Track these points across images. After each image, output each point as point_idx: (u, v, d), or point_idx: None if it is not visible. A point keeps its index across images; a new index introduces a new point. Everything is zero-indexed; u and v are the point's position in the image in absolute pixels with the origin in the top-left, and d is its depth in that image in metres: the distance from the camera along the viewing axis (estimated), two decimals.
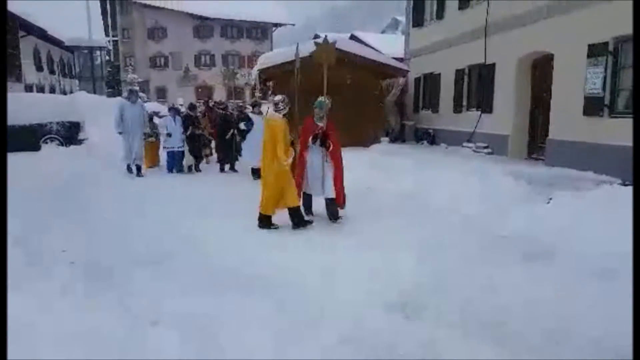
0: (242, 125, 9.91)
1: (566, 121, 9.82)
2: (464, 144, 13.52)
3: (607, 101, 8.82)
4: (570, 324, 3.36)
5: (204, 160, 11.94)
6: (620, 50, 8.66)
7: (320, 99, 6.37)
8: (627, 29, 8.20)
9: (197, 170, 11.20)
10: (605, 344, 3.11)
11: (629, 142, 8.16)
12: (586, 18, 9.13)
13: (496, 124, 12.44)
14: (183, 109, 13.21)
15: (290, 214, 5.96)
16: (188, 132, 10.83)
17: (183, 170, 10.95)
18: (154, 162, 11.74)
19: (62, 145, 13.17)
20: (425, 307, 3.64)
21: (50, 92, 25.66)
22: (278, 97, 6.09)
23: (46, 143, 13.04)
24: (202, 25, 41.09)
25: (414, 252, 4.78)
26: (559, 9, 9.94)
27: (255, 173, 9.22)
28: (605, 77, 8.82)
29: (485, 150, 12.60)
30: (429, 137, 16.00)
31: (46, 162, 10.75)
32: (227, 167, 11.24)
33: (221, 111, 12.10)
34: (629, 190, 6.52)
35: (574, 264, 4.49)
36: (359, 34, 29.61)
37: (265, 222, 6.02)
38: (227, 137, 10.80)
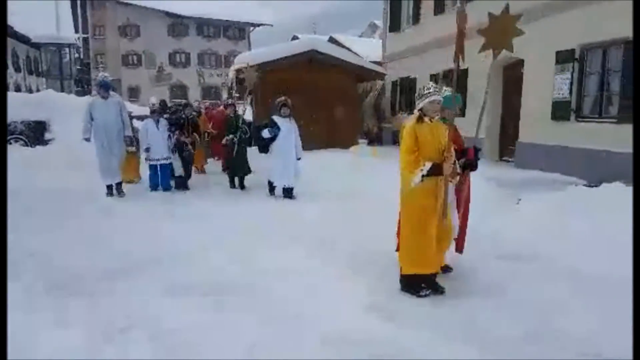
0: (265, 133, 7.69)
1: (535, 125, 10.20)
2: None
3: (573, 106, 9.21)
4: (546, 323, 3.48)
5: (199, 171, 10.43)
6: (586, 58, 9.06)
7: (447, 92, 4.58)
8: (593, 37, 8.62)
9: (185, 187, 8.92)
10: (581, 340, 3.25)
11: (593, 145, 8.57)
12: (554, 26, 9.52)
13: (468, 127, 12.73)
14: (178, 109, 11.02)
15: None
16: (174, 139, 8.79)
17: (170, 187, 8.76)
18: (135, 176, 9.53)
19: (28, 145, 12.75)
20: (399, 309, 3.73)
21: (16, 91, 24.92)
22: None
23: (10, 144, 12.55)
24: (177, 24, 40.53)
25: (383, 256, 4.84)
26: (528, 17, 10.30)
27: (287, 193, 7.95)
28: (572, 83, 9.21)
29: None
30: None
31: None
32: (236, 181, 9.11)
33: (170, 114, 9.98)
34: (593, 191, 6.86)
35: (543, 263, 4.68)
36: (338, 36, 29.82)
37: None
38: (229, 140, 8.83)
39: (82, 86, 39.75)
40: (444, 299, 3.92)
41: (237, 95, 18.62)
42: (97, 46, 41.96)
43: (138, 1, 38.36)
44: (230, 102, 9.60)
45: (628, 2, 7.84)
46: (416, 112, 3.99)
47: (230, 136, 8.76)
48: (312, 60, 14.57)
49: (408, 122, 4.00)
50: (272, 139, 7.68)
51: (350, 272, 4.46)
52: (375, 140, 17.28)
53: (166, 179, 8.73)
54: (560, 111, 9.49)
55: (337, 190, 8.23)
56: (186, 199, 8.08)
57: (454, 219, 4.20)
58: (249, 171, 8.93)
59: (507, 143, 11.89)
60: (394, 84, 17.95)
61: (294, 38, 31.69)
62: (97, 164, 8.00)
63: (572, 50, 9.14)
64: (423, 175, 3.74)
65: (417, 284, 3.99)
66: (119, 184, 8.14)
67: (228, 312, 3.64)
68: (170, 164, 8.77)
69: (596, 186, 7.34)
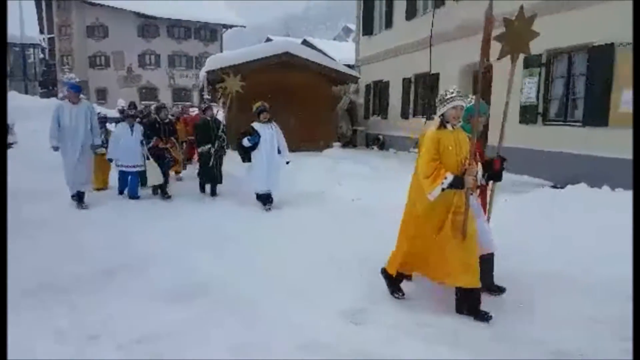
0: (245, 142, 7.24)
1: (505, 126, 10.41)
2: (411, 149, 14.01)
3: (540, 110, 9.48)
4: (516, 324, 3.53)
5: (175, 176, 9.80)
6: (552, 63, 9.34)
7: (470, 101, 4.09)
8: (558, 43, 8.90)
9: (166, 196, 8.17)
10: (548, 339, 3.31)
11: (559, 148, 8.84)
12: None
13: None
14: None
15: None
16: (149, 146, 8.05)
17: (138, 195, 8.11)
18: (105, 183, 8.84)
19: None
20: (369, 311, 3.74)
21: None
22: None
23: None
24: (147, 24, 39.81)
25: (358, 261, 4.86)
26: (496, 23, 10.55)
27: (263, 199, 7.44)
28: (539, 87, 9.48)
29: None
30: (378, 143, 16.44)
31: None
32: (207, 187, 8.66)
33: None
34: (559, 192, 7.08)
35: (514, 264, 4.76)
36: (312, 39, 29.90)
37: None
38: (203, 150, 8.30)
39: (47, 88, 38.64)
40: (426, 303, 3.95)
41: (209, 97, 18.44)
42: (63, 47, 40.77)
43: (106, 1, 37.53)
44: (207, 106, 8.67)
45: (592, 11, 8.14)
46: (437, 119, 3.71)
47: (207, 146, 8.23)
48: (285, 62, 14.56)
49: (429, 129, 3.74)
50: (253, 147, 7.28)
51: (332, 277, 4.45)
52: (349, 142, 17.39)
53: (134, 188, 8.13)
54: (527, 115, 9.75)
55: (316, 194, 8.19)
56: (158, 205, 7.78)
57: (482, 225, 3.93)
58: (220, 181, 8.53)
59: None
60: (367, 87, 18.12)
61: (268, 40, 31.61)
62: (64, 174, 7.38)
63: (539, 56, 9.41)
64: (443, 188, 3.51)
65: (397, 284, 3.99)
66: (80, 196, 7.42)
67: (202, 316, 3.59)
68: (143, 172, 8.17)
69: (562, 188, 7.58)
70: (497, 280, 4.10)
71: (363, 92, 18.42)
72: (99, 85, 39.16)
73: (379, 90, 17.27)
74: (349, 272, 4.56)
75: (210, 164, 8.24)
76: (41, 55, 41.87)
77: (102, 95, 38.59)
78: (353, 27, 23.75)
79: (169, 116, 9.27)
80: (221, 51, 36.69)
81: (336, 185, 8.67)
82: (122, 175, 8.22)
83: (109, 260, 4.78)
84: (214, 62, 15.89)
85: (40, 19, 43.53)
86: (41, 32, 42.67)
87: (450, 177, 3.49)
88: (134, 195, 8.09)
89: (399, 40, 15.15)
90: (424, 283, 4.03)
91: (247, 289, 4.12)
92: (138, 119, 8.58)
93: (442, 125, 3.67)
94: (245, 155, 7.38)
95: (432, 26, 13.15)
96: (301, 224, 6.36)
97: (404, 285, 4.06)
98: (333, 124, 16.01)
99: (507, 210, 6.25)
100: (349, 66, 17.77)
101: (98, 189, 8.53)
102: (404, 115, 15.28)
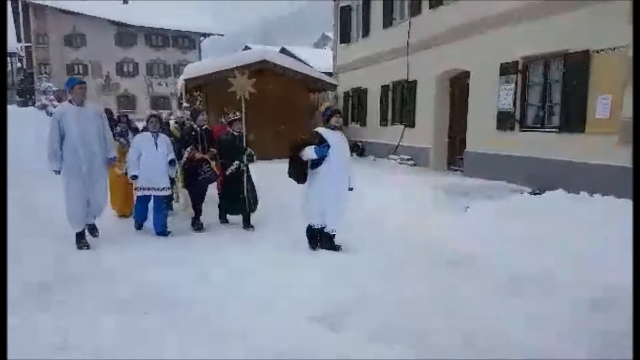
0: (311, 153, 5.16)
1: (481, 135, 10.45)
2: (390, 156, 13.96)
3: (517, 116, 9.49)
4: (491, 326, 3.50)
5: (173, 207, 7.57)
6: (528, 70, 9.37)
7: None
8: (534, 50, 8.93)
9: (199, 227, 6.43)
10: (524, 343, 3.27)
11: (537, 154, 8.84)
12: (498, 39, 9.81)
13: (418, 138, 12.97)
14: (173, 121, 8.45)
15: None
16: (183, 159, 6.33)
17: (167, 230, 6.14)
18: (128, 208, 6.97)
19: None
20: (348, 317, 3.66)
21: None
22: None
23: None
24: (125, 33, 39.50)
25: (335, 263, 4.84)
26: (473, 30, 10.60)
27: (326, 241, 5.48)
28: (515, 94, 9.50)
29: (410, 162, 13.08)
30: (358, 149, 16.37)
31: None
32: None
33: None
34: (536, 199, 7.05)
35: (490, 270, 4.72)
36: (290, 47, 29.88)
37: None
38: (232, 169, 6.45)
39: (25, 96, 37.94)
40: (394, 303, 3.83)
41: (187, 105, 18.21)
42: (41, 55, 40.18)
43: (83, 9, 37.10)
44: (235, 117, 6.59)
45: (567, 18, 8.19)
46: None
47: (236, 163, 6.45)
48: (263, 70, 14.42)
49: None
50: (319, 161, 5.20)
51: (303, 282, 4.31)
52: None
53: (162, 219, 6.15)
54: (504, 121, 9.75)
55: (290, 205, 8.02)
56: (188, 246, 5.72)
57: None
58: (254, 207, 6.60)
59: (455, 152, 12.14)
60: (345, 94, 18.08)
61: (246, 48, 31.49)
62: (66, 205, 5.45)
63: (516, 62, 9.44)
64: None
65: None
66: (92, 229, 5.84)
67: (169, 328, 3.44)
68: (170, 196, 6.64)
69: (540, 193, 7.55)
70: (473, 284, 4.00)
71: (341, 99, 18.37)
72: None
73: (358, 97, 17.23)
74: (316, 274, 4.43)
75: (245, 188, 6.41)
76: (18, 64, 41.20)
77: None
78: (331, 35, 23.76)
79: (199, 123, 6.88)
80: (199, 59, 36.48)
81: None
82: (143, 203, 6.28)
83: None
84: (192, 70, 15.70)
85: (17, 27, 42.85)
86: (18, 40, 42.00)
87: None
88: (162, 231, 6.10)
89: (377, 48, 15.15)
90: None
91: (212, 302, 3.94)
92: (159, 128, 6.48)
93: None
94: (301, 173, 5.31)
95: (409, 34, 13.16)
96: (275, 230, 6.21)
97: None
98: (311, 132, 15.88)
99: (485, 216, 6.25)
100: (327, 74, 17.71)
101: (121, 216, 7.02)
102: (383, 122, 15.26)
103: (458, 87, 12.01)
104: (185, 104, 18.82)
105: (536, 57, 9.06)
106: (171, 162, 6.18)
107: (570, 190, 7.10)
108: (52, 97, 32.07)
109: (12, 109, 20.72)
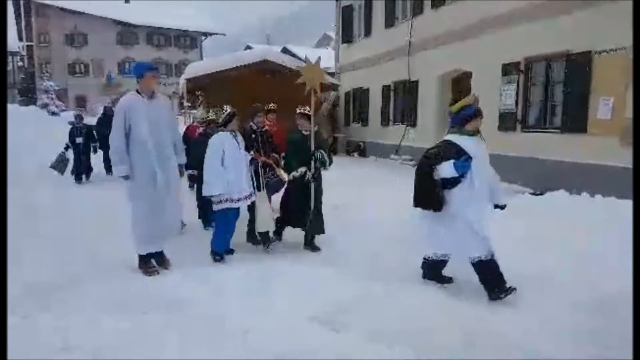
0: (448, 168, 3.96)
1: (483, 135, 10.39)
2: (392, 156, 13.95)
3: (519, 117, 9.47)
4: (491, 327, 3.49)
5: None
6: (530, 70, 9.36)
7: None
8: (536, 50, 8.92)
9: (267, 245, 5.40)
10: (524, 343, 3.27)
11: (538, 155, 8.83)
12: (500, 39, 9.79)
13: (420, 138, 12.96)
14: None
15: None
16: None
17: (229, 249, 5.11)
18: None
19: None
20: (348, 317, 3.64)
21: None
22: None
23: None
24: (126, 32, 39.60)
25: (337, 265, 4.80)
26: (475, 30, 10.59)
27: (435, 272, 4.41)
28: (517, 94, 9.48)
29: (411, 163, 13.06)
30: (360, 149, 16.38)
31: None
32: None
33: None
34: (537, 199, 7.04)
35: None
36: (292, 47, 29.87)
37: None
38: (296, 175, 5.30)
39: (27, 96, 38.00)
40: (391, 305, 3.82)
41: (189, 104, 18.23)
42: (42, 54, 40.32)
43: (85, 9, 37.16)
44: (304, 111, 5.75)
45: (569, 19, 8.17)
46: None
47: (303, 169, 5.29)
48: (265, 69, 14.46)
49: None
50: (456, 180, 3.98)
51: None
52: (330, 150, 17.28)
53: (223, 233, 5.04)
54: (506, 122, 9.74)
55: None
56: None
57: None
58: (322, 227, 5.46)
59: None
60: (347, 94, 18.07)
61: (247, 48, 31.50)
62: (133, 220, 4.48)
63: (518, 63, 9.42)
64: None
65: None
66: (161, 255, 4.66)
67: (169, 328, 3.42)
68: (253, 206, 5.33)
69: (541, 194, 7.54)
70: (473, 284, 4.05)
71: (343, 99, 18.37)
72: (78, 92, 38.70)
73: (359, 97, 17.22)
74: (317, 276, 4.41)
75: (312, 199, 5.29)
76: (20, 63, 41.23)
77: (81, 102, 38.17)
78: (332, 35, 23.75)
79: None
80: (201, 59, 36.50)
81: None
82: (230, 220, 5.02)
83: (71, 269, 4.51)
84: (193, 69, 15.72)
85: (19, 26, 42.92)
86: (20, 39, 42.06)
87: None
88: (227, 249, 5.07)
89: (378, 48, 15.14)
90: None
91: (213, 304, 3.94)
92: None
93: None
94: (436, 196, 4.02)
95: (411, 34, 13.15)
96: None
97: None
98: (315, 132, 15.88)
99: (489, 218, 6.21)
100: (329, 74, 17.70)
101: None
102: (384, 122, 15.25)
103: (460, 87, 11.99)
104: (186, 104, 18.86)
105: (538, 57, 9.04)
106: (251, 162, 5.22)
107: (571, 191, 7.09)
108: (53, 96, 32.15)
109: (13, 108, 20.69)
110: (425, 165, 4.08)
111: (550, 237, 5.31)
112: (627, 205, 5.55)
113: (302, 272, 4.58)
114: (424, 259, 4.39)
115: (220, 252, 4.96)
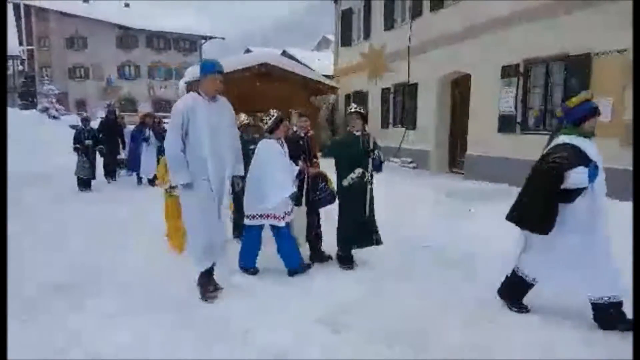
0: (584, 178, 3.36)
1: (482, 137, 10.45)
2: (391, 159, 13.94)
3: (518, 119, 9.49)
4: (491, 327, 3.50)
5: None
6: (529, 72, 9.38)
7: None
8: (535, 52, 8.94)
9: (322, 258, 5.04)
10: (524, 343, 3.25)
11: (538, 156, 8.78)
12: (499, 41, 9.82)
13: (419, 140, 12.98)
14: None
15: None
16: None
17: (302, 266, 4.60)
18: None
19: None
20: (348, 317, 3.64)
21: None
22: None
23: None
24: (126, 36, 39.68)
25: (337, 265, 4.84)
26: (474, 32, 10.61)
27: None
28: (516, 97, 9.50)
29: (411, 165, 13.09)
30: None
31: None
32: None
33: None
34: None
35: (490, 270, 4.69)
36: (291, 50, 29.89)
37: None
38: (354, 178, 4.81)
39: (27, 100, 38.02)
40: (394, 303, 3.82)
41: None
42: (43, 58, 40.37)
43: (85, 12, 37.27)
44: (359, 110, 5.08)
45: (568, 20, 8.19)
46: None
47: (359, 170, 4.78)
48: (264, 73, 14.49)
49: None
50: (578, 192, 3.36)
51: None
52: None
53: (292, 249, 4.61)
54: (506, 124, 9.75)
55: None
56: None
57: None
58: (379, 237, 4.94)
59: (457, 155, 12.13)
60: (347, 97, 18.09)
61: (247, 51, 31.54)
62: (193, 231, 4.05)
63: (517, 65, 9.44)
64: None
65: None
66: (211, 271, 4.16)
67: (171, 330, 3.42)
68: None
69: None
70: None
71: (342, 102, 18.38)
72: (78, 96, 38.77)
73: (359, 100, 17.22)
74: (319, 278, 4.41)
75: (367, 208, 4.77)
76: (20, 67, 41.26)
77: (81, 106, 38.22)
78: (332, 37, 23.79)
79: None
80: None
81: None
82: (256, 234, 4.61)
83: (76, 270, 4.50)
84: (193, 72, 15.72)
85: (19, 30, 42.93)
86: (20, 43, 42.06)
87: None
88: (296, 266, 4.57)
89: None
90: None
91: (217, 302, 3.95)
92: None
93: None
94: (554, 214, 3.40)
95: (410, 37, 13.18)
96: None
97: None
98: (314, 135, 15.91)
99: (488, 219, 6.23)
100: (328, 77, 17.75)
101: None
102: (384, 124, 15.26)
103: (459, 89, 12.01)
104: None
105: (537, 59, 9.06)
106: (298, 175, 4.72)
107: None
108: (53, 99, 32.15)
109: (13, 112, 20.70)
110: (554, 175, 3.31)
111: None
112: (627, 207, 5.54)
113: (303, 273, 4.59)
114: (511, 274, 3.73)
115: (250, 268, 4.61)
